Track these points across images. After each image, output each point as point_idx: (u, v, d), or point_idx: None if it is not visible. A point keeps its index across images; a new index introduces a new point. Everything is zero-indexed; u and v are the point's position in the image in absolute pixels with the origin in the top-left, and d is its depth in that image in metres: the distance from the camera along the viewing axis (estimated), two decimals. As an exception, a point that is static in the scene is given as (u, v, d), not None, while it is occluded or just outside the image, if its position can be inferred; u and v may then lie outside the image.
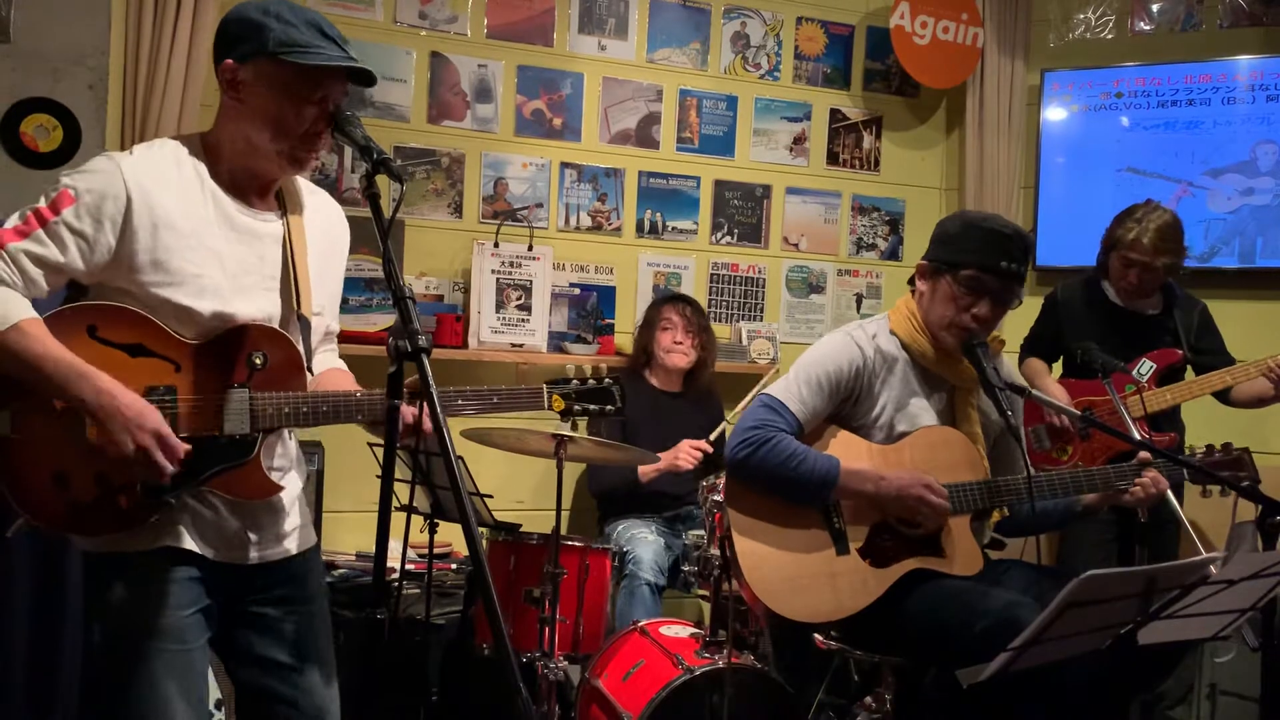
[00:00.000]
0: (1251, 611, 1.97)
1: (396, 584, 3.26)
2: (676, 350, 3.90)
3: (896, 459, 2.49)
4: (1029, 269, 4.73)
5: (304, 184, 1.99)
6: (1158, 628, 1.88)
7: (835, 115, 4.62)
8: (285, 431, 1.96)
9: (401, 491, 3.26)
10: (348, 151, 3.93)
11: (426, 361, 1.55)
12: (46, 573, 2.83)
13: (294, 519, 1.97)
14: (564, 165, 4.26)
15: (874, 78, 4.67)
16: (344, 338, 3.73)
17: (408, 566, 3.28)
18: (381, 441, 1.68)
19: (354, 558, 3.72)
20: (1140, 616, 1.85)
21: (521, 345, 4.04)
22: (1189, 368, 3.44)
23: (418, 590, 3.36)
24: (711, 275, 4.46)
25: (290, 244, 1.89)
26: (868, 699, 2.51)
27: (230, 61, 1.79)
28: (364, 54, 4.02)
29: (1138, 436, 2.97)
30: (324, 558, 2.93)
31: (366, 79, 1.83)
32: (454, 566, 3.72)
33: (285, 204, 1.92)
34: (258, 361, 1.82)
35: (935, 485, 2.41)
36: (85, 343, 1.74)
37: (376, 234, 1.65)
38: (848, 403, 2.54)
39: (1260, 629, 2.05)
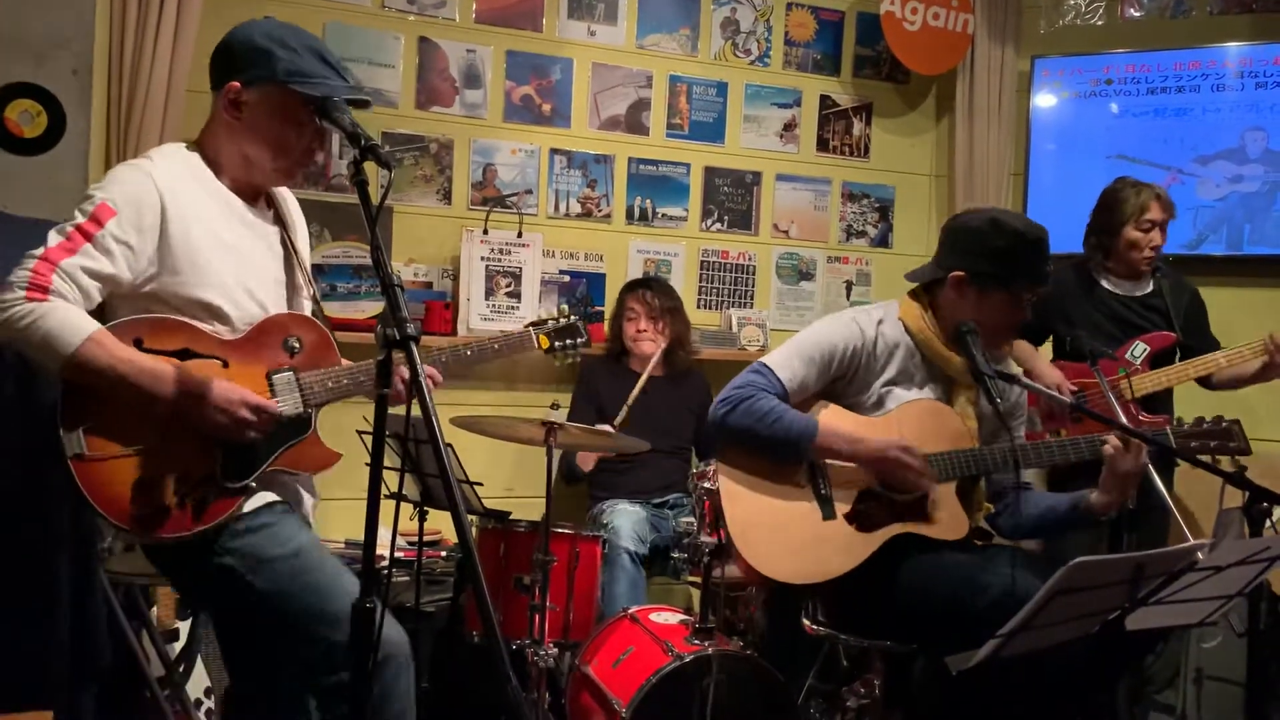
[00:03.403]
0: (1238, 597, 1.99)
1: (386, 572, 3.25)
2: (643, 338, 3.88)
3: (884, 427, 2.50)
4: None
5: None
6: (1146, 614, 1.89)
7: (825, 101, 4.61)
8: None
9: (390, 479, 3.24)
10: (335, 137, 3.90)
11: (415, 349, 1.56)
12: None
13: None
14: (553, 151, 4.24)
15: (864, 64, 4.66)
16: (332, 325, 3.72)
17: (397, 554, 3.26)
18: (370, 429, 1.68)
19: (343, 545, 3.71)
20: (1128, 603, 1.86)
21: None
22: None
23: (407, 578, 3.35)
24: (701, 262, 4.45)
25: (289, 236, 2.05)
26: (857, 684, 2.52)
27: (237, 84, 1.91)
28: (351, 39, 4.01)
29: (1125, 422, 2.97)
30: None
31: (364, 104, 1.99)
32: (443, 554, 3.71)
33: (273, 201, 2.08)
34: (295, 345, 1.97)
35: (911, 448, 2.43)
36: None
37: (364, 221, 1.68)
38: (840, 381, 2.55)
39: (1246, 614, 2.06)
